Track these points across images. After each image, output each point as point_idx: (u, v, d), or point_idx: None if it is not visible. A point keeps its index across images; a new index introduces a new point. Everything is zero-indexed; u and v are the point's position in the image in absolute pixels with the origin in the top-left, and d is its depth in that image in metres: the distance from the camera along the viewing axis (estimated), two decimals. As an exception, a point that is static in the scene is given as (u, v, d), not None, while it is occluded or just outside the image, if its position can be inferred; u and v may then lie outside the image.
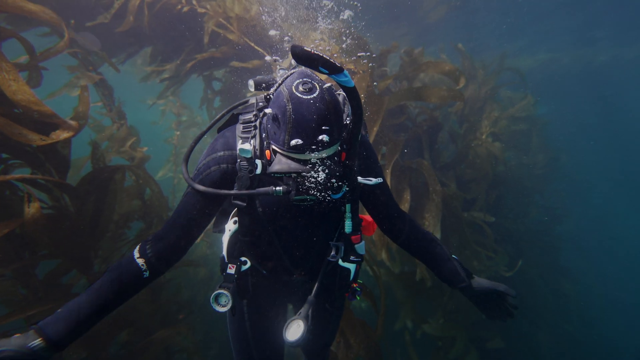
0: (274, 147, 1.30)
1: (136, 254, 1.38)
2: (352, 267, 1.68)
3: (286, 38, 4.08)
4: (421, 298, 5.18)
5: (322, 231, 1.63)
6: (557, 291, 8.02)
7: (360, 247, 1.69)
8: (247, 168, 1.42)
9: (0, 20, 4.32)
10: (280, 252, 1.64)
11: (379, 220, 1.71)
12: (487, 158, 6.08)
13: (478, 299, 1.63)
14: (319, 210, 1.53)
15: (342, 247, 1.62)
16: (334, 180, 1.35)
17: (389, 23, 10.70)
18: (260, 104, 1.52)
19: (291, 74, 1.34)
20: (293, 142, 1.21)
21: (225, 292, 1.55)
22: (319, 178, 1.31)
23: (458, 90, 4.66)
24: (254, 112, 1.50)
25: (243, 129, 1.48)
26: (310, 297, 1.59)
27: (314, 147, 1.22)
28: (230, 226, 1.66)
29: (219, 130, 1.62)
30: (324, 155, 1.26)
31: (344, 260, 1.66)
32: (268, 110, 1.30)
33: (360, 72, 4.15)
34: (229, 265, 1.63)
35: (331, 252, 1.61)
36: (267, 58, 4.61)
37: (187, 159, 1.52)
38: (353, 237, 1.63)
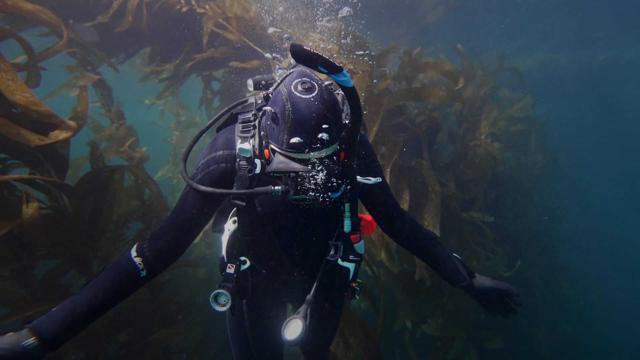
0: (272, 146, 1.30)
1: (133, 252, 1.38)
2: (351, 266, 1.68)
3: (285, 35, 4.08)
4: (420, 298, 5.18)
5: (321, 230, 1.63)
6: (556, 291, 8.03)
7: (360, 247, 1.69)
8: (247, 167, 1.41)
9: (-2, 20, 4.32)
10: (280, 251, 1.64)
11: (379, 220, 1.71)
12: (486, 158, 6.08)
13: (480, 297, 1.63)
14: (318, 210, 1.53)
15: (341, 247, 1.62)
16: (333, 180, 1.35)
17: (388, 23, 10.72)
18: (260, 103, 1.52)
19: (290, 73, 1.34)
20: (292, 141, 1.21)
21: (224, 291, 1.55)
22: (318, 177, 1.31)
23: (457, 91, 4.67)
24: (253, 112, 1.50)
25: (242, 128, 1.48)
26: (309, 297, 1.59)
27: (312, 146, 1.22)
28: (230, 226, 1.66)
29: (218, 129, 1.62)
30: (323, 154, 1.26)
31: (343, 260, 1.66)
32: (267, 108, 1.30)
33: (360, 72, 4.16)
34: (229, 264, 1.63)
35: (330, 251, 1.61)
36: (267, 55, 4.61)
37: (185, 158, 1.51)
38: (352, 237, 1.63)
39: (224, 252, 1.66)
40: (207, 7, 4.74)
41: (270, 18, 4.53)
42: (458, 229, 5.23)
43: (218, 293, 1.55)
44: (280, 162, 1.25)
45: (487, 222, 5.76)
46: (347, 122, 1.33)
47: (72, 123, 3.02)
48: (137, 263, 1.35)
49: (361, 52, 4.26)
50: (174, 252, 1.44)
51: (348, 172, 1.36)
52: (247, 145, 1.38)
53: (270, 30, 4.59)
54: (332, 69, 1.03)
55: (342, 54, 4.22)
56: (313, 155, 1.25)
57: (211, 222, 1.85)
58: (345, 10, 3.42)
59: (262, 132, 1.42)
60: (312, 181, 1.33)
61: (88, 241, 3.31)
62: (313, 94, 1.21)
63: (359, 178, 1.48)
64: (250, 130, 1.46)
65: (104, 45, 5.18)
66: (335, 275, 1.71)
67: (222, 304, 1.55)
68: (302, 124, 1.19)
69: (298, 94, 1.21)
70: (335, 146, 1.29)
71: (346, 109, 1.50)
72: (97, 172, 3.45)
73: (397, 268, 4.79)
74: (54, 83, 4.42)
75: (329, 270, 1.70)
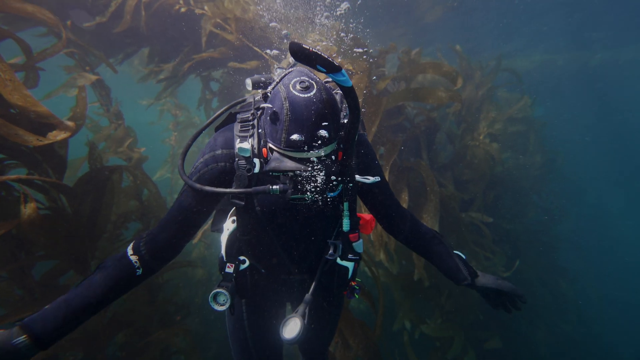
0: (270, 145, 1.30)
1: (130, 251, 1.36)
2: (350, 265, 1.68)
3: (284, 32, 4.08)
4: (419, 298, 5.18)
5: (320, 229, 1.63)
6: (555, 291, 8.04)
7: (358, 246, 1.69)
8: (245, 167, 1.41)
9: (-3, 20, 4.31)
10: (279, 250, 1.64)
11: (379, 219, 1.71)
12: (485, 159, 6.09)
13: (483, 293, 1.64)
14: (316, 209, 1.53)
15: (340, 246, 1.62)
16: (332, 178, 1.35)
17: (387, 23, 10.73)
18: (258, 102, 1.51)
19: (289, 72, 1.34)
20: (290, 140, 1.21)
21: (223, 291, 1.55)
22: (316, 176, 1.31)
23: (455, 91, 4.68)
24: (252, 111, 1.50)
25: (241, 127, 1.47)
26: (308, 296, 1.59)
27: (310, 145, 1.22)
28: (229, 225, 1.66)
29: (217, 129, 1.61)
30: (321, 153, 1.26)
31: (342, 259, 1.66)
32: (265, 105, 1.30)
33: (359, 72, 4.16)
34: (228, 264, 1.63)
35: (329, 250, 1.61)
36: (267, 52, 4.61)
37: (183, 157, 1.51)
38: (351, 236, 1.63)
39: (223, 252, 1.66)
40: (205, 7, 4.74)
41: (269, 17, 4.53)
42: (457, 229, 5.24)
43: (217, 292, 1.55)
44: (277, 160, 1.25)
45: (486, 223, 5.77)
46: (345, 121, 1.32)
47: (70, 123, 3.02)
48: (133, 261, 1.34)
49: (360, 50, 4.26)
50: (170, 250, 1.43)
51: (346, 171, 1.36)
52: (246, 145, 1.38)
53: (272, 24, 4.59)
54: (331, 68, 1.03)
55: (341, 53, 4.23)
56: (311, 154, 1.24)
57: (210, 221, 1.84)
58: (343, 5, 3.40)
59: (260, 130, 1.42)
60: (310, 180, 1.33)
61: (86, 241, 3.30)
62: (311, 93, 1.21)
63: (357, 177, 1.48)
64: (249, 129, 1.45)
65: (103, 46, 5.18)
66: (334, 274, 1.71)
67: (221, 304, 1.55)
68: (300, 123, 1.19)
69: (296, 93, 1.21)
70: (334, 145, 1.29)
71: (345, 108, 1.51)
72: (96, 172, 3.44)
73: (396, 268, 4.79)
74: (53, 83, 4.41)
75: (328, 269, 1.70)
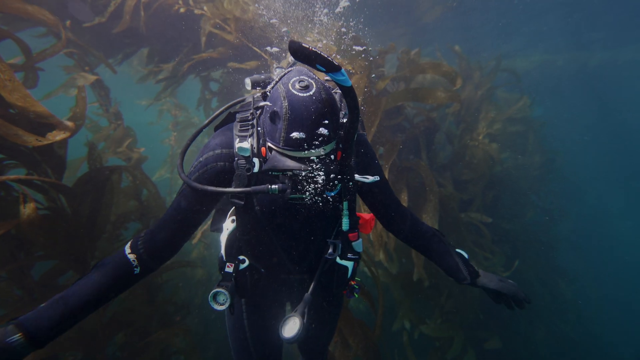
0: (270, 144, 1.30)
1: (127, 249, 1.36)
2: (349, 264, 1.69)
3: (284, 29, 4.08)
4: (419, 298, 5.18)
5: (320, 229, 1.63)
6: (555, 291, 8.04)
7: (358, 245, 1.69)
8: (245, 166, 1.41)
9: (-4, 20, 4.31)
10: (279, 250, 1.64)
11: (379, 218, 1.71)
12: (484, 159, 6.10)
13: (484, 288, 1.64)
14: (316, 208, 1.53)
15: (340, 245, 1.62)
16: (332, 177, 1.35)
17: (387, 23, 10.74)
18: (257, 101, 1.51)
19: (288, 71, 1.34)
20: (289, 139, 1.21)
21: (223, 290, 1.55)
22: (315, 176, 1.31)
23: (455, 92, 4.68)
24: (251, 111, 1.50)
25: (240, 127, 1.47)
26: (307, 295, 1.59)
27: (309, 144, 1.22)
28: (228, 225, 1.66)
29: (216, 128, 1.61)
30: (320, 153, 1.25)
31: (341, 258, 1.66)
32: (265, 104, 1.30)
33: (358, 72, 4.16)
34: (227, 263, 1.63)
35: (329, 249, 1.61)
36: (268, 49, 4.60)
37: (182, 157, 1.50)
38: (350, 235, 1.63)
39: (222, 251, 1.66)
40: (205, 8, 4.74)
41: (269, 15, 4.53)
42: (456, 229, 5.24)
43: (217, 292, 1.55)
44: (276, 160, 1.25)
45: (485, 223, 5.78)
46: (344, 121, 1.32)
47: (69, 124, 3.01)
48: (130, 260, 1.33)
49: (359, 49, 4.25)
50: (169, 250, 1.42)
51: (345, 170, 1.36)
52: (245, 144, 1.38)
53: (272, 21, 4.58)
54: (330, 68, 1.02)
55: (341, 52, 4.23)
56: (310, 154, 1.24)
57: (209, 221, 1.84)
58: (343, 3, 3.38)
59: (259, 130, 1.42)
60: (309, 180, 1.32)
61: (86, 242, 3.30)
62: (310, 92, 1.21)
63: (357, 177, 1.48)
64: (248, 129, 1.45)
65: (102, 46, 5.18)
66: (333, 274, 1.71)
67: (221, 303, 1.55)
68: (300, 122, 1.19)
69: (295, 92, 1.20)
70: (333, 145, 1.29)
71: (344, 107, 1.51)
72: (95, 172, 3.44)
73: (396, 268, 4.80)
74: (52, 84, 4.40)
75: (328, 268, 1.70)
